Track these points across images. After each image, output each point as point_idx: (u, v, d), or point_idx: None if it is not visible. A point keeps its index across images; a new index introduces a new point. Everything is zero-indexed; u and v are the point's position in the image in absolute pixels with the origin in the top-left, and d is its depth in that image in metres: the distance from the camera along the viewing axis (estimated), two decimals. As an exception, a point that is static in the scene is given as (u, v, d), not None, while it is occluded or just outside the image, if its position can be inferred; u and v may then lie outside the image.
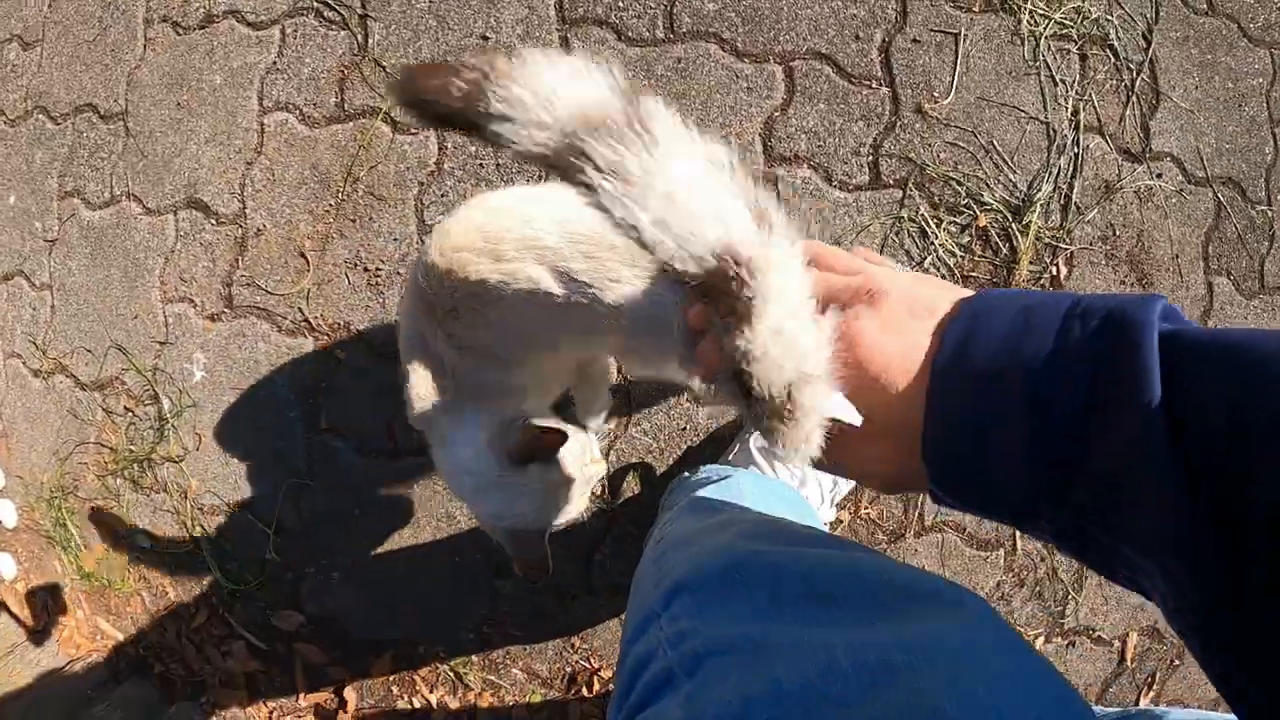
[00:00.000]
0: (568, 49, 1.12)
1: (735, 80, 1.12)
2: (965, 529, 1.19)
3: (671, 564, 0.56)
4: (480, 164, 1.14)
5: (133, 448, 1.27)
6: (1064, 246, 1.19)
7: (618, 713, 0.50)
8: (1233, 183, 1.34)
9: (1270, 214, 1.37)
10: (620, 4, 1.13)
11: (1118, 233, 1.24)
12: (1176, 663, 1.36)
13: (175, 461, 1.25)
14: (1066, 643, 1.26)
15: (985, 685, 0.35)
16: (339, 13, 1.18)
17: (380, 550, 1.19)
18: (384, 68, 1.17)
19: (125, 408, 1.28)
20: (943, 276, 1.17)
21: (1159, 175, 1.28)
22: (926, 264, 1.14)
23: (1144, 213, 1.27)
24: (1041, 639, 1.25)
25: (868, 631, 0.40)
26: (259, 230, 1.20)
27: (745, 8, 1.13)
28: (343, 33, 1.18)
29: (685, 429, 1.13)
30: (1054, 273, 1.19)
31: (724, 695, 0.40)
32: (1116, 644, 1.28)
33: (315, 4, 1.19)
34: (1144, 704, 1.34)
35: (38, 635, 1.33)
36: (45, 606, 1.36)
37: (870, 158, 1.13)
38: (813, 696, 0.37)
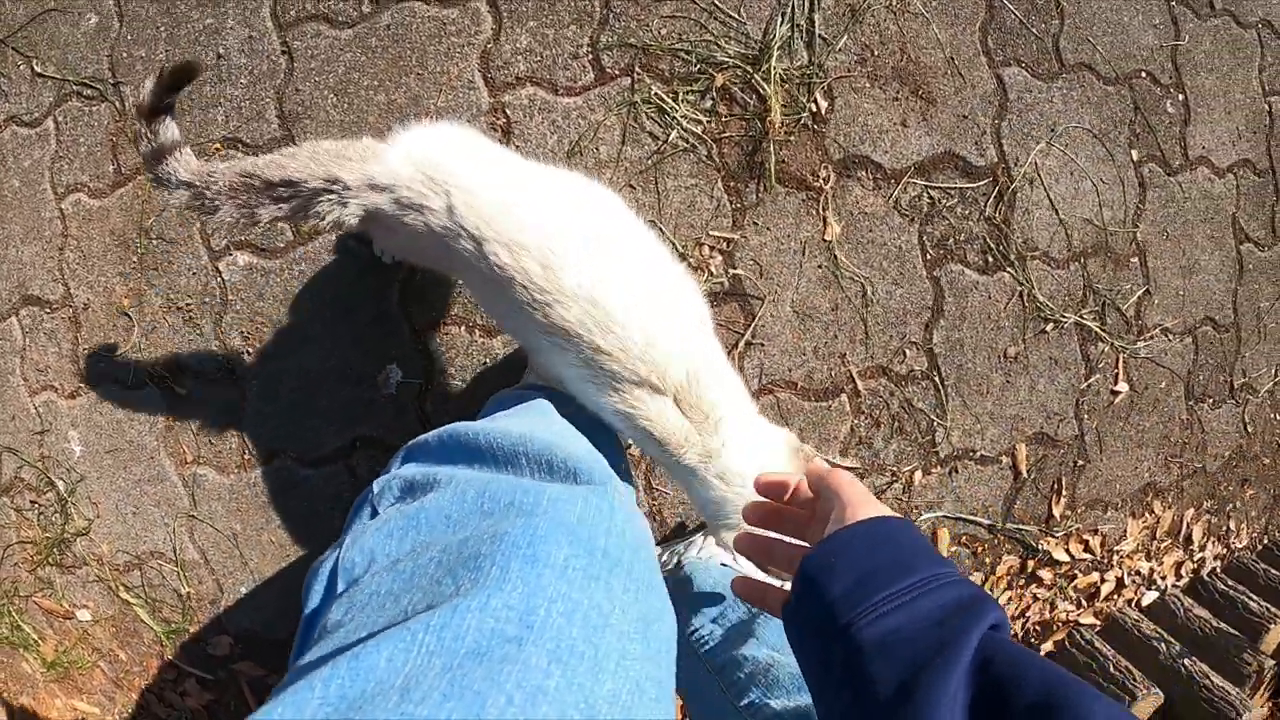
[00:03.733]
0: (290, 55, 1.18)
1: (444, 28, 1.15)
2: (796, 384, 1.18)
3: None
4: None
5: (47, 535, 1.37)
6: (818, 81, 1.18)
7: (347, 531, 0.60)
8: (999, -31, 1.30)
9: (1053, -11, 1.32)
10: (329, -7, 1.18)
11: (876, 53, 1.22)
12: (1081, 462, 1.31)
13: (84, 534, 1.34)
14: (947, 470, 1.23)
15: (556, 530, 0.44)
16: (95, 88, 1.26)
17: (268, 557, 1.26)
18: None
19: (31, 501, 1.38)
20: (693, 146, 1.17)
21: (910, -15, 1.25)
22: (673, 138, 1.14)
23: (902, 25, 1.24)
24: (919, 472, 1.22)
25: (506, 481, 0.52)
26: (85, 305, 1.29)
27: (441, -43, 1.16)
28: (103, 105, 1.26)
29: (487, 362, 1.16)
30: (814, 109, 1.18)
31: (384, 516, 0.53)
32: (1005, 460, 1.25)
33: (74, 88, 1.27)
34: (1056, 513, 1.29)
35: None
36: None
37: (590, 56, 1.14)
38: (438, 519, 0.49)
